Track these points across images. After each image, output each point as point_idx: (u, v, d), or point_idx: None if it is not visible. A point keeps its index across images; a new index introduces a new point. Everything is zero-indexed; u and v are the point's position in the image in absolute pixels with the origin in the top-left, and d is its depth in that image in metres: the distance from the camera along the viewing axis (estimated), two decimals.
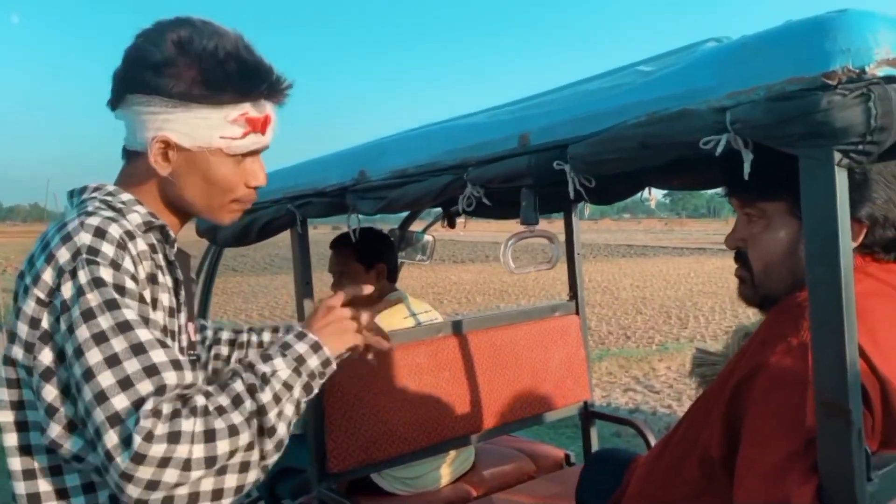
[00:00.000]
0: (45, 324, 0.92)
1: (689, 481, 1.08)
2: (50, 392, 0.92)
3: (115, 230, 0.95)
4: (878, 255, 1.09)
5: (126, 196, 1.06)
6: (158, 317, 0.99)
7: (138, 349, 0.89)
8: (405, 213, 2.96)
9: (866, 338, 0.95)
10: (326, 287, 2.54)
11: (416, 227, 3.04)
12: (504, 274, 17.19)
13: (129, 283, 0.93)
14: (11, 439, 0.97)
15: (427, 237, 2.95)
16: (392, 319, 2.35)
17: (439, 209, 2.79)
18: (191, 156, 1.05)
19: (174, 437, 0.86)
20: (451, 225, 2.77)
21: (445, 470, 2.33)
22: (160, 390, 0.88)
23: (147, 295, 0.97)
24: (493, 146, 1.22)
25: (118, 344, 0.88)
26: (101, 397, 0.87)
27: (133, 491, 0.85)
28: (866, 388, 0.92)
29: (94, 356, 0.88)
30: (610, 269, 19.88)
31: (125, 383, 0.87)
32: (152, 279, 1.00)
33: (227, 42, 1.02)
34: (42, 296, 0.92)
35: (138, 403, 0.87)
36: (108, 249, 0.93)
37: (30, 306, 0.93)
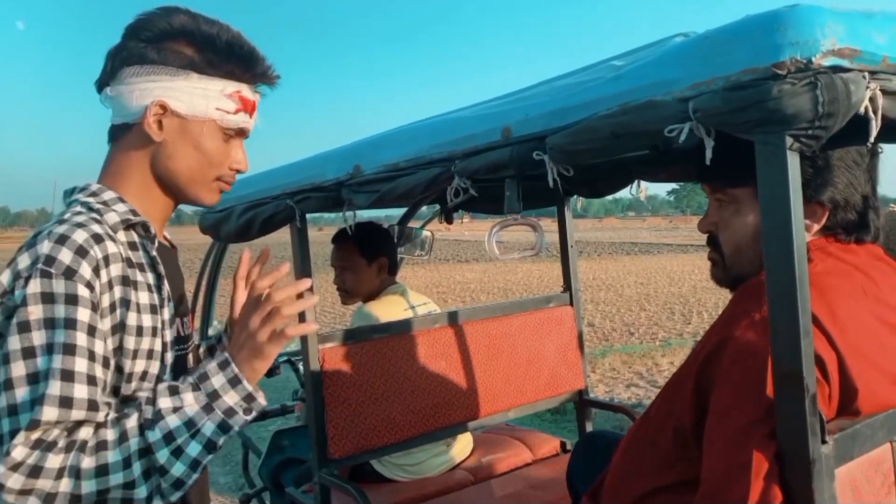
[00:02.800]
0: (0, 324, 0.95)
1: (664, 451, 1.14)
2: None
3: (79, 235, 0.97)
4: (839, 237, 1.15)
5: (108, 195, 1.08)
6: (136, 319, 1.02)
7: (54, 374, 0.91)
8: (404, 212, 3.03)
9: (826, 313, 1.02)
10: (329, 287, 2.60)
11: (415, 224, 3.10)
12: (508, 273, 17.23)
13: (82, 291, 0.94)
14: None
15: (425, 233, 3.01)
16: (392, 311, 2.41)
17: (437, 206, 2.85)
18: (185, 124, 1.08)
19: (35, 472, 0.89)
20: (449, 221, 2.83)
21: (444, 457, 2.39)
22: (53, 422, 0.91)
23: (106, 299, 0.98)
24: (478, 139, 1.29)
25: (41, 363, 0.92)
26: (12, 410, 0.91)
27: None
28: (824, 360, 0.98)
29: (17, 369, 0.91)
30: (614, 266, 19.92)
31: (36, 402, 0.91)
32: (123, 281, 1.01)
33: (227, 28, 1.09)
34: None
35: (24, 426, 0.90)
36: (64, 257, 0.94)
37: None
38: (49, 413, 0.91)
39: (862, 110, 0.87)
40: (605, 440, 1.74)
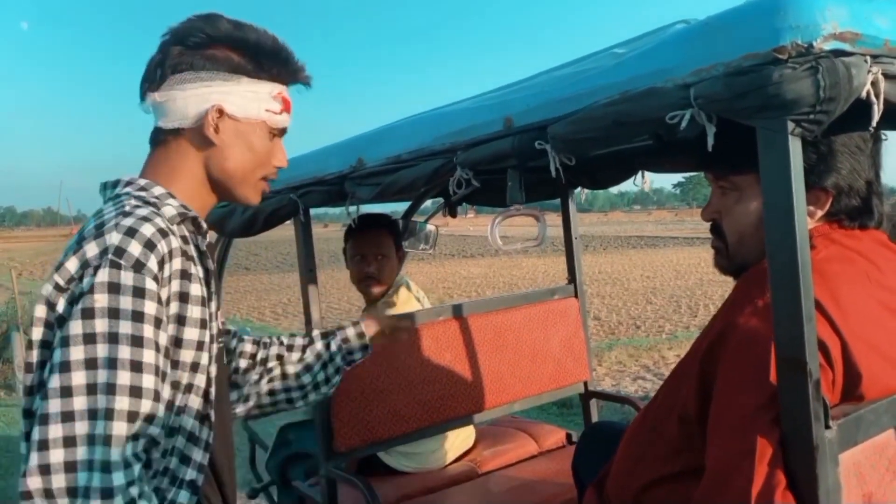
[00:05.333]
0: (59, 308, 0.96)
1: (669, 440, 1.14)
2: None
3: (147, 229, 0.99)
4: (843, 223, 1.15)
5: (158, 190, 1.10)
6: (190, 311, 1.05)
7: (114, 364, 0.92)
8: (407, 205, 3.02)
9: (829, 299, 1.01)
10: (335, 283, 2.60)
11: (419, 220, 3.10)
12: (513, 267, 17.23)
13: (150, 284, 0.97)
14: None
15: (430, 227, 3.00)
16: (408, 305, 2.44)
17: (441, 199, 2.86)
18: (239, 126, 1.14)
19: (72, 493, 0.90)
20: (453, 214, 2.84)
21: (451, 448, 2.40)
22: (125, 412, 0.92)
23: (165, 292, 1.00)
24: (480, 129, 1.29)
25: (101, 350, 0.92)
26: (66, 392, 0.91)
27: (30, 484, 0.90)
28: (827, 345, 0.98)
29: (76, 352, 0.92)
30: (620, 260, 19.88)
31: (92, 389, 0.91)
32: (183, 274, 1.04)
33: (265, 32, 1.15)
34: (61, 282, 0.97)
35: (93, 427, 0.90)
36: (134, 249, 0.96)
37: (48, 290, 0.98)
38: (121, 402, 0.92)
39: (864, 95, 0.87)
40: (610, 431, 1.74)
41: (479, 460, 2.43)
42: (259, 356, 1.45)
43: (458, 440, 2.43)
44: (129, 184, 1.11)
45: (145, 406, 0.95)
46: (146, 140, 1.19)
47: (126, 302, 0.95)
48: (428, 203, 3.10)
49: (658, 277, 14.73)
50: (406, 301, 2.46)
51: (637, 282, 14.07)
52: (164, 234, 1.01)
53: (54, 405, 0.91)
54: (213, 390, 1.10)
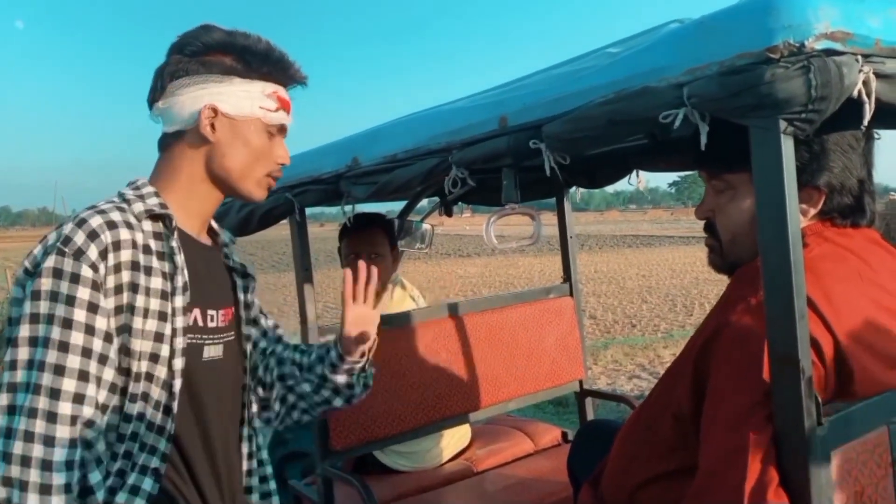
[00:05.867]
0: (27, 289, 1.07)
1: (664, 438, 1.14)
2: None
3: (95, 221, 1.07)
4: (835, 221, 1.15)
5: (147, 189, 1.19)
6: (146, 301, 1.10)
7: (45, 343, 1.02)
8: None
9: (821, 296, 1.02)
10: (331, 283, 2.60)
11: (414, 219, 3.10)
12: (509, 266, 17.25)
13: (85, 271, 1.05)
14: None
15: (425, 226, 3.00)
16: (402, 304, 2.43)
17: (436, 198, 2.85)
18: (234, 124, 1.20)
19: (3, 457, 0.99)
20: (448, 213, 2.83)
21: (447, 447, 2.41)
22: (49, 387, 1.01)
23: (111, 280, 1.08)
24: (475, 129, 1.29)
25: (41, 329, 1.03)
26: (12, 365, 1.02)
27: None
28: (819, 343, 0.99)
29: (24, 330, 1.03)
30: (616, 259, 19.92)
31: (30, 364, 1.02)
32: (133, 266, 1.10)
33: (258, 37, 1.22)
34: (29, 267, 1.09)
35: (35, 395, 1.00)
36: (78, 239, 1.05)
37: (19, 273, 1.10)
38: (46, 378, 1.01)
39: (855, 94, 0.87)
40: (605, 429, 1.75)
41: (474, 459, 2.44)
42: (276, 372, 1.45)
43: (454, 439, 2.44)
44: (130, 184, 1.21)
45: (68, 384, 1.02)
46: (142, 139, 1.24)
47: (64, 286, 1.04)
48: (424, 202, 3.09)
49: (654, 276, 14.76)
50: (400, 300, 2.47)
51: (633, 280, 14.09)
52: (112, 226, 1.08)
53: (4, 377, 1.02)
54: (177, 382, 1.13)
